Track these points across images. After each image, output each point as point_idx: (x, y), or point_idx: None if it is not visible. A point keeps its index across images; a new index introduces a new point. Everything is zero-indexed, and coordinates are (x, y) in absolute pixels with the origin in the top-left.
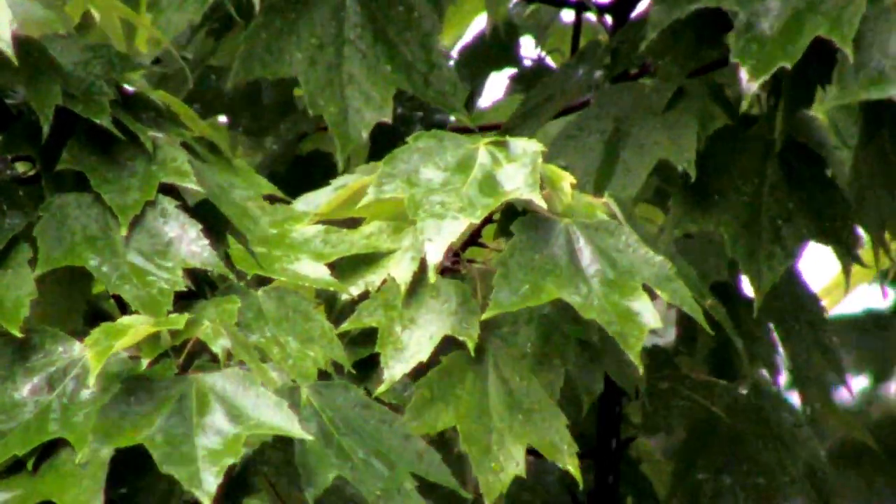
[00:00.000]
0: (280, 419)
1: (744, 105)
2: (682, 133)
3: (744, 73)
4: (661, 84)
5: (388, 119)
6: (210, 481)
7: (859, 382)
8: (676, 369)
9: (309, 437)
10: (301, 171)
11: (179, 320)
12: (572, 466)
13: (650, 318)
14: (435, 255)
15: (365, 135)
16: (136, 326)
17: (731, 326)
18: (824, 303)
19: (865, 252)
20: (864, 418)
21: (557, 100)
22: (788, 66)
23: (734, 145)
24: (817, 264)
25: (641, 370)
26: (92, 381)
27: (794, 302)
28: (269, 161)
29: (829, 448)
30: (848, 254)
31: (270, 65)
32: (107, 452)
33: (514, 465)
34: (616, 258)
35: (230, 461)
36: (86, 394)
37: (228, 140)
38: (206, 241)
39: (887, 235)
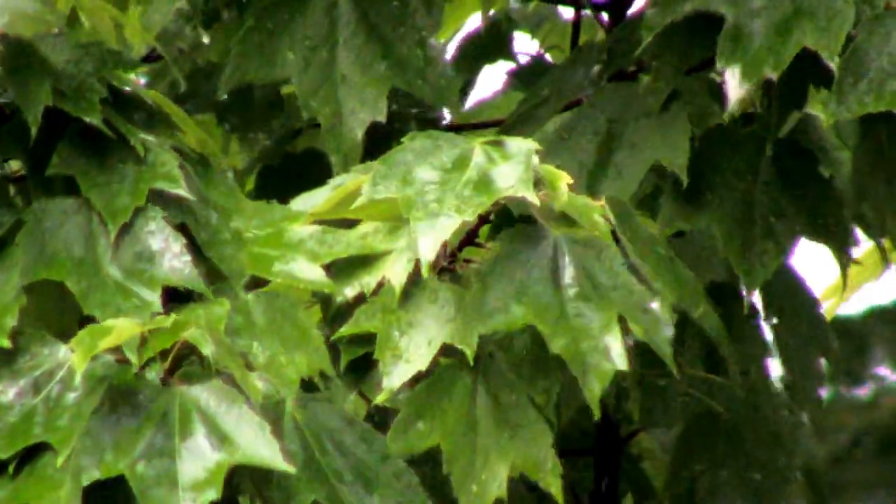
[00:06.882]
0: (263, 448)
1: (730, 111)
2: (676, 135)
3: (729, 79)
4: (655, 86)
5: (382, 118)
6: None
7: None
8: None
9: (291, 470)
10: (295, 170)
11: (166, 321)
12: (555, 487)
13: (617, 357)
14: (428, 252)
15: (360, 134)
16: (120, 327)
17: (724, 335)
18: (828, 303)
19: (868, 252)
20: (874, 411)
21: (555, 101)
22: (774, 77)
23: (728, 142)
24: (820, 265)
25: (597, 415)
26: (78, 378)
27: (791, 301)
28: (262, 157)
29: (841, 444)
30: (842, 251)
31: (263, 68)
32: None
33: (497, 485)
34: (598, 282)
35: (212, 496)
36: (71, 397)
37: (220, 139)
38: (188, 257)
39: (887, 240)
